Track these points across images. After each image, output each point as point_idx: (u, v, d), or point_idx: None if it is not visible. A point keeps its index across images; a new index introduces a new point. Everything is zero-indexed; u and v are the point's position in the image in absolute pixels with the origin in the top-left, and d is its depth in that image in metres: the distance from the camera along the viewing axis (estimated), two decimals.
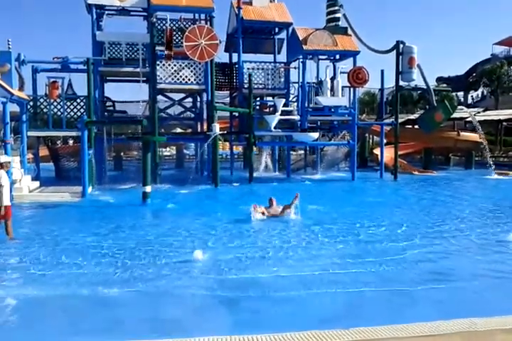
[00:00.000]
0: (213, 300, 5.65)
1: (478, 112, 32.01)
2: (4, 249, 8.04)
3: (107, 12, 19.63)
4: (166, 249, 8.01)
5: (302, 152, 29.54)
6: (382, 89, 22.28)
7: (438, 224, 10.14)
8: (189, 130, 25.47)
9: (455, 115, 25.32)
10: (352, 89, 20.18)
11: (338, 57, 21.70)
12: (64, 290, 5.89)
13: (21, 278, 6.43)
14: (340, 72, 20.19)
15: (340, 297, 5.72)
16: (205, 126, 21.04)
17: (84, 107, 16.95)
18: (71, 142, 25.75)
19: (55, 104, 16.73)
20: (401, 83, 20.77)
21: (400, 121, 21.71)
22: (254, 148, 20.21)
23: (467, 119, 30.63)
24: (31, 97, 16.85)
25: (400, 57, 20.35)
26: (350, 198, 15.24)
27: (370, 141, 31.69)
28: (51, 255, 7.59)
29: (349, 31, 20.78)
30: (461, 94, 52.03)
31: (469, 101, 53.27)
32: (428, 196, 15.40)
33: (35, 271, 6.68)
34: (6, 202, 8.61)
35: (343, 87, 20.10)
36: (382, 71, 21.59)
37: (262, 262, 7.18)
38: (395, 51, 20.50)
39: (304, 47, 19.40)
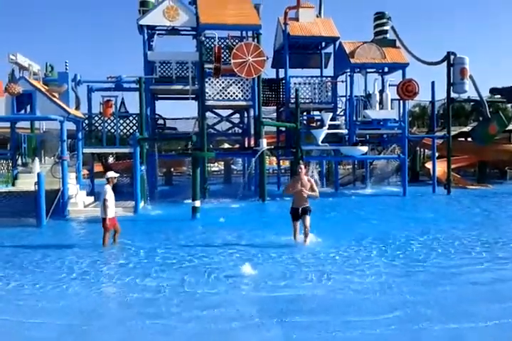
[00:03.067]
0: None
1: None
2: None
3: (157, 32, 20.29)
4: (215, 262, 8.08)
5: (350, 166, 29.25)
6: (433, 102, 21.78)
7: None
8: (236, 145, 25.74)
9: (510, 127, 24.41)
10: (402, 101, 19.85)
11: (386, 69, 21.45)
12: None
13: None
14: (389, 85, 19.89)
15: None
16: (252, 141, 21.24)
17: (136, 124, 17.48)
18: (111, 159, 26.57)
19: (108, 121, 17.35)
20: (453, 95, 20.29)
21: (452, 133, 21.11)
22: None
23: None
24: (86, 115, 17.54)
25: (452, 68, 19.91)
26: (404, 214, 14.75)
27: (422, 154, 30.96)
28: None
29: (397, 43, 20.55)
30: None
31: None
32: (489, 210, 14.86)
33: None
34: (111, 214, 9.51)
35: (392, 100, 19.83)
36: (432, 83, 21.15)
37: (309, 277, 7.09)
38: (445, 63, 20.09)
39: (352, 60, 19.32)
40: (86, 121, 17.51)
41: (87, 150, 17.17)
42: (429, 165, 24.95)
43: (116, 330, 5.22)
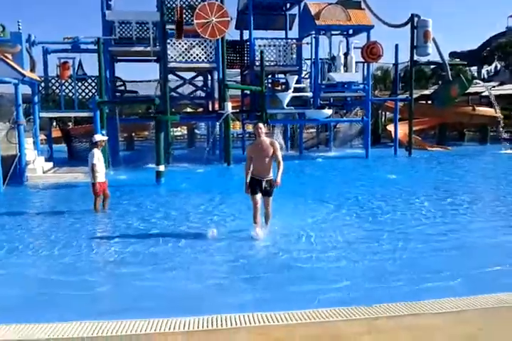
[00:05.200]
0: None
1: (494, 86, 31.37)
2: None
3: None
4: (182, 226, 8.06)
5: (313, 130, 29.35)
6: (396, 64, 21.87)
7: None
8: (200, 109, 25.32)
9: (470, 90, 24.84)
10: (366, 64, 19.82)
11: (351, 32, 21.21)
12: None
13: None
14: (354, 48, 19.77)
15: None
16: (216, 105, 20.92)
17: (95, 88, 16.88)
18: (71, 124, 25.78)
19: (66, 84, 16.68)
20: (416, 58, 20.38)
21: (413, 96, 21.32)
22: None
23: (482, 94, 30.04)
24: (43, 78, 16.79)
25: (415, 31, 19.88)
26: (371, 175, 15.06)
27: (383, 117, 31.30)
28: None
29: (362, 5, 20.29)
30: (474, 68, 50.93)
31: (483, 75, 52.12)
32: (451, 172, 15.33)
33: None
34: (101, 178, 9.22)
35: (356, 63, 19.76)
36: (396, 45, 21.15)
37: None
38: (409, 25, 20.03)
39: (317, 22, 19.00)
40: (42, 84, 16.81)
41: (44, 115, 16.54)
42: (390, 127, 25.27)
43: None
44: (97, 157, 9.23)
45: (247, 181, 7.21)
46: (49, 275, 5.69)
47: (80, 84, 16.86)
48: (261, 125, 7.27)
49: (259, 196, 7.25)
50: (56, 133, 22.01)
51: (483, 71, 53.98)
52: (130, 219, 8.74)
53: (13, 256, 6.53)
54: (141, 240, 7.24)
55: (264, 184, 7.17)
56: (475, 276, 5.42)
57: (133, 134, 29.01)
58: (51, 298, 5.00)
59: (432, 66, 36.63)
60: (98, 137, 9.67)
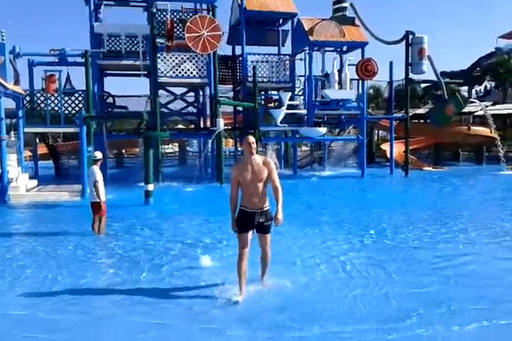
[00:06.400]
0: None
1: (487, 106, 31.17)
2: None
3: (105, 2, 18.85)
4: (171, 253, 7.34)
5: (307, 148, 28.90)
6: (391, 82, 21.55)
7: None
8: (191, 126, 24.75)
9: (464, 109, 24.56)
10: (360, 81, 19.45)
11: (345, 48, 20.93)
12: None
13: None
14: (348, 65, 19.42)
15: None
16: (208, 122, 20.39)
17: (82, 102, 16.29)
18: (60, 140, 25.02)
19: (52, 98, 16.06)
20: (410, 75, 20.08)
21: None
22: (258, 145, 19.50)
23: (476, 113, 29.85)
24: (27, 92, 16.17)
25: (410, 48, 19.61)
26: (372, 197, 14.31)
27: (376, 136, 30.97)
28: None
29: (356, 21, 20.03)
30: (464, 88, 51.09)
31: (473, 95, 52.27)
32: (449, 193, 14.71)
33: None
34: (103, 197, 8.67)
35: (351, 80, 19.39)
36: (391, 63, 20.90)
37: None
38: (404, 42, 19.77)
39: (311, 38, 18.68)
40: (27, 98, 16.17)
41: (28, 130, 15.83)
42: (384, 146, 24.91)
43: None
44: (99, 174, 8.69)
45: (235, 216, 5.33)
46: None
47: (66, 98, 16.25)
48: (252, 139, 5.31)
49: (249, 235, 5.30)
50: (42, 149, 21.29)
51: (473, 91, 54.35)
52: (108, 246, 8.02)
53: None
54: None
55: (257, 217, 5.27)
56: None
57: (123, 151, 28.39)
58: None
59: (424, 85, 36.54)
60: (99, 154, 9.14)
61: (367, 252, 7.29)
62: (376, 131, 29.89)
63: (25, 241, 8.53)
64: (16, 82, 15.13)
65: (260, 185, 5.24)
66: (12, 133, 18.92)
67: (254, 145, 5.29)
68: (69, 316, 4.83)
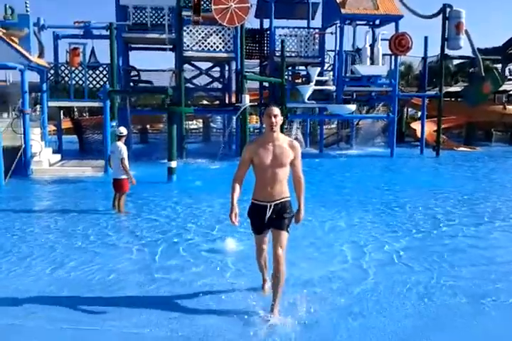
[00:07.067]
0: None
1: None
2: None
3: None
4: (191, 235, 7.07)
5: (333, 126, 28.17)
6: (425, 58, 20.59)
7: None
8: (216, 102, 24.32)
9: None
10: (393, 57, 18.62)
11: (377, 22, 20.00)
12: None
13: None
14: (381, 39, 18.55)
15: None
16: (233, 98, 19.94)
17: (107, 76, 16.02)
18: (86, 115, 24.94)
19: (76, 72, 15.83)
20: (446, 51, 19.12)
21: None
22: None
23: (511, 92, 28.60)
24: (52, 65, 15.95)
25: (447, 22, 18.62)
26: (406, 178, 13.71)
27: (405, 114, 29.97)
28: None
29: None
30: (498, 66, 49.10)
31: (507, 74, 50.25)
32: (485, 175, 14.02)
33: None
34: (130, 174, 8.45)
35: (383, 55, 18.58)
36: (425, 38, 19.92)
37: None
38: (440, 16, 18.77)
39: (343, 10, 17.83)
40: (51, 71, 15.96)
41: (52, 104, 15.67)
42: (414, 125, 24.07)
43: None
44: (125, 151, 8.40)
45: (235, 201, 4.22)
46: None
47: (90, 72, 15.99)
48: (275, 110, 4.11)
49: (265, 237, 4.40)
50: (66, 123, 21.23)
51: (506, 69, 52.19)
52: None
53: None
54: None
55: (271, 210, 4.20)
56: None
57: (148, 126, 28.19)
58: None
59: (457, 62, 35.05)
60: (124, 130, 8.76)
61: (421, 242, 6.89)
62: (405, 110, 28.86)
63: (40, 217, 8.45)
64: (41, 55, 14.91)
65: (280, 171, 4.16)
66: (38, 106, 18.89)
67: (275, 119, 4.09)
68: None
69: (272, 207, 4.20)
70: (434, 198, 10.10)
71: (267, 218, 4.21)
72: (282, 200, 4.22)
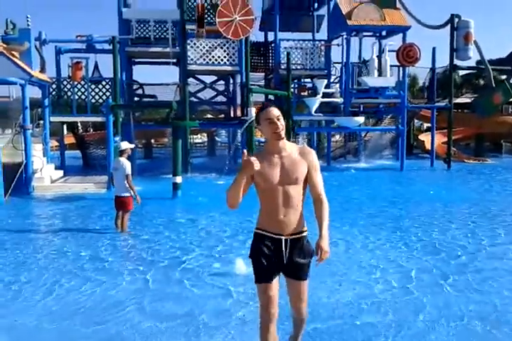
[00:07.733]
0: None
1: None
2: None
3: None
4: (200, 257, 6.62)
5: (339, 138, 27.78)
6: (433, 69, 20.29)
7: None
8: (220, 115, 24.01)
9: None
10: (401, 68, 18.30)
11: (384, 33, 19.73)
12: None
13: None
14: (388, 50, 18.25)
15: None
16: (238, 111, 19.63)
17: (109, 90, 15.75)
18: (90, 130, 24.66)
19: (78, 86, 15.57)
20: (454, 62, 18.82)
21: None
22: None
23: None
24: (53, 80, 15.70)
25: (455, 32, 18.33)
26: (422, 193, 12.98)
27: (413, 126, 29.55)
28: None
29: (398, 4, 18.81)
30: (503, 77, 48.81)
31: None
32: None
33: None
34: (135, 192, 7.98)
35: (390, 67, 18.26)
36: (433, 48, 19.65)
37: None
38: (449, 26, 18.50)
39: (349, 22, 17.55)
40: (53, 86, 15.71)
41: (54, 119, 15.39)
42: (423, 137, 23.70)
43: None
44: (129, 167, 7.93)
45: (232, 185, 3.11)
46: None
47: (93, 86, 15.73)
48: (275, 112, 3.07)
49: (274, 285, 3.12)
50: (69, 139, 20.94)
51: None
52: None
53: None
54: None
55: (288, 249, 3.11)
56: None
57: (152, 141, 27.91)
58: None
59: (462, 73, 34.72)
60: (125, 145, 8.21)
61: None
62: (412, 122, 28.47)
63: (38, 238, 8.00)
64: (42, 70, 14.64)
65: (293, 190, 3.07)
66: (40, 122, 18.63)
67: (281, 122, 3.06)
68: None
69: (289, 242, 3.08)
70: (468, 214, 9.59)
71: (286, 258, 3.09)
72: (301, 235, 3.13)
